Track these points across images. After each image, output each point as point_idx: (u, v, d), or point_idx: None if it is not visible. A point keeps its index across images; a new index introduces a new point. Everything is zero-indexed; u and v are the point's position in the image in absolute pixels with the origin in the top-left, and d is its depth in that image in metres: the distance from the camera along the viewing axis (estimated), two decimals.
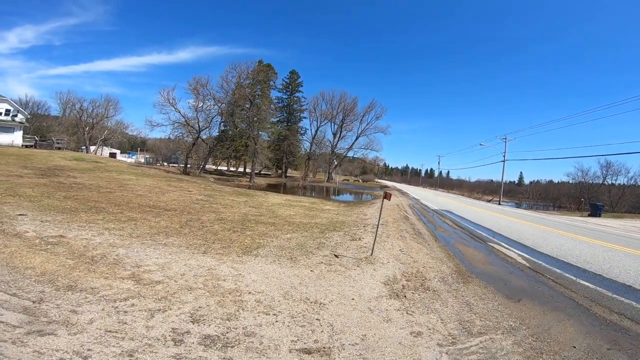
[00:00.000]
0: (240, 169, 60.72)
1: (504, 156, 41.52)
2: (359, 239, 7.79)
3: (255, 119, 42.51)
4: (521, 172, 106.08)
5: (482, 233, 10.57)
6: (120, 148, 64.54)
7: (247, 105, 39.60)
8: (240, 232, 7.69)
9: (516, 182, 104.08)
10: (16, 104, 35.74)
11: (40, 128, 45.47)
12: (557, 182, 60.54)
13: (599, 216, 23.92)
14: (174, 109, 33.72)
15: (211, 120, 37.60)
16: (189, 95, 34.94)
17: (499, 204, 38.11)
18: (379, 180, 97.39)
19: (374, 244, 6.36)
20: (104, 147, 53.64)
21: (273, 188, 37.05)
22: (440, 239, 9.01)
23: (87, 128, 48.44)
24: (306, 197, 22.92)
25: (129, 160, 52.67)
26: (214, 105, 35.83)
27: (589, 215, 24.56)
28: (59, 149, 35.16)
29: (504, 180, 42.83)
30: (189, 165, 38.80)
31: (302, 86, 61.01)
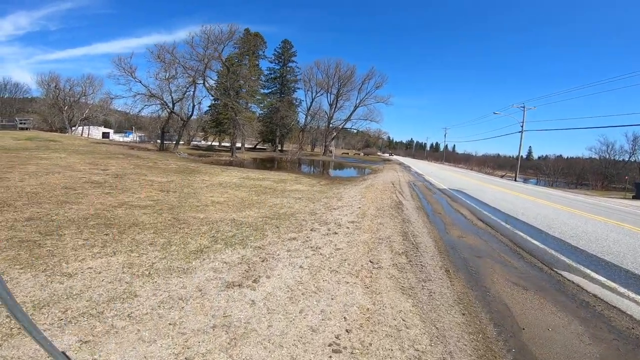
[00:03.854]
0: (238, 145, 56.36)
1: (522, 126, 35.88)
2: (258, 279, 3.18)
3: (243, 90, 37.42)
4: (530, 147, 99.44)
5: (529, 238, 5.89)
6: (119, 127, 61.31)
7: (224, 71, 33.90)
8: None
9: (525, 156, 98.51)
10: None
11: (18, 110, 43.70)
12: (566, 157, 55.86)
13: None
14: (132, 78, 28.40)
15: (185, 92, 32.24)
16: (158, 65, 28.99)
17: (515, 180, 33.21)
18: (382, 154, 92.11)
19: None
20: (91, 126, 49.62)
21: (257, 163, 32.45)
22: (457, 263, 4.36)
23: (66, 107, 44.04)
24: (280, 174, 18.25)
25: (124, 139, 49.07)
26: (183, 73, 30.37)
27: (634, 197, 19.78)
28: (25, 129, 32.61)
29: (519, 155, 37.39)
30: (166, 142, 34.03)
31: (295, 56, 56.66)
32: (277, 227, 5.43)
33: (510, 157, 74.57)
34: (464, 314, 2.98)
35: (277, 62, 56.21)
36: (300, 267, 3.48)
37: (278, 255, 3.88)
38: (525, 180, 40.01)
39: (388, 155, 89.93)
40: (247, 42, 42.30)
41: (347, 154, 74.94)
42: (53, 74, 44.17)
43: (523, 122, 35.49)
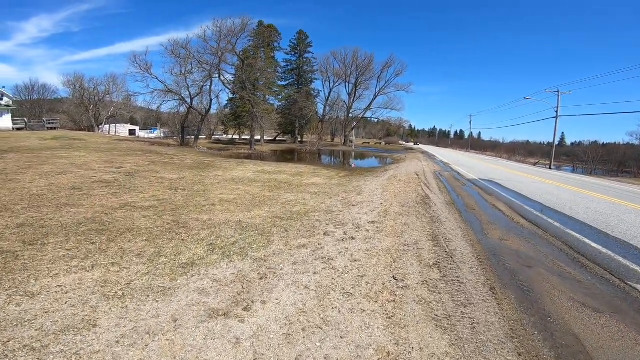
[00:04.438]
0: (257, 137, 56.63)
1: (557, 112, 33.21)
2: (251, 305, 2.55)
3: (260, 82, 37.09)
4: (563, 133, 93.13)
5: (586, 240, 4.91)
6: (145, 124, 63.23)
7: (240, 65, 33.38)
8: None
9: (558, 143, 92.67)
10: (18, 89, 34.40)
11: (48, 110, 45.16)
12: (602, 143, 51.91)
13: None
14: (149, 74, 28.56)
15: (201, 86, 32.09)
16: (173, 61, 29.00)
17: (550, 168, 30.93)
18: (404, 143, 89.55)
19: None
20: (118, 124, 51.40)
21: (276, 155, 32.10)
22: (504, 277, 3.54)
23: (91, 106, 45.63)
24: (297, 166, 17.66)
25: (149, 135, 50.52)
26: (198, 68, 30.20)
27: None
28: (53, 128, 33.52)
29: (554, 141, 34.65)
30: (188, 137, 34.33)
31: (311, 46, 55.09)
32: (286, 231, 4.80)
33: (541, 143, 70.36)
34: (520, 355, 2.22)
35: (293, 53, 55.33)
36: (306, 287, 2.82)
37: (281, 270, 3.24)
38: (559, 168, 37.45)
39: (412, 144, 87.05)
40: (261, 34, 41.84)
41: (368, 143, 73.46)
42: (77, 74, 45.62)
43: (558, 107, 32.87)
